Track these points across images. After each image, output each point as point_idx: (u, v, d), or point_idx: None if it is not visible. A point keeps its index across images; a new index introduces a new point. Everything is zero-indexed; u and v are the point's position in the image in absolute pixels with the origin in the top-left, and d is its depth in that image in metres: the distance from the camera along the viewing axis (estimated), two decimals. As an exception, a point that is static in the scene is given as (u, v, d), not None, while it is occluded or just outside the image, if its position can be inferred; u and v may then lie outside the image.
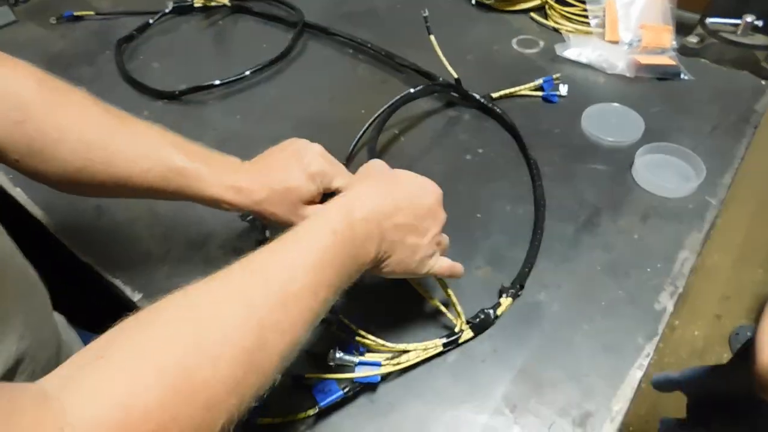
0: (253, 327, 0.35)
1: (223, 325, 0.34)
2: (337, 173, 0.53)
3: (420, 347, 0.54)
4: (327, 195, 0.54)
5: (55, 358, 0.52)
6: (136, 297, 0.62)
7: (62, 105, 0.51)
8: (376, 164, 0.52)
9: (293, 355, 0.38)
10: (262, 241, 0.67)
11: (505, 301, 0.59)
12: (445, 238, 0.53)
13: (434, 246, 0.50)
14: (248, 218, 0.65)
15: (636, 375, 0.54)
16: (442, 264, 0.52)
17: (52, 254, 0.69)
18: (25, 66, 0.52)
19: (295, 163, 0.52)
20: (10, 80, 0.50)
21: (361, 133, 0.73)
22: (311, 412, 0.51)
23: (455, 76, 0.84)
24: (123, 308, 0.63)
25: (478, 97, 0.85)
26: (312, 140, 0.55)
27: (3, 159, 0.50)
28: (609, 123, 0.82)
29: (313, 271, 0.39)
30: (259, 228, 0.66)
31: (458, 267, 0.55)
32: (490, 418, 0.52)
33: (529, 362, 0.56)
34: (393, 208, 0.46)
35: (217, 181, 0.52)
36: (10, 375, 0.43)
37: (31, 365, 0.46)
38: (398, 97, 0.75)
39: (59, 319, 0.61)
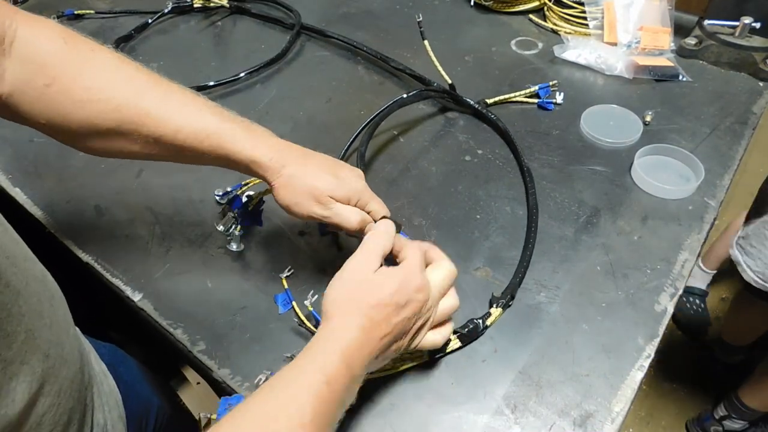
0: None
1: None
2: (372, 199, 0.54)
3: (406, 355, 0.54)
4: None
5: (80, 373, 0.48)
6: (136, 297, 0.62)
7: (90, 65, 0.49)
8: (355, 269, 0.47)
9: None
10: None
11: (495, 311, 0.59)
12: (443, 311, 0.50)
13: (416, 333, 0.48)
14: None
15: (636, 376, 0.54)
16: (426, 340, 0.50)
17: (50, 255, 0.68)
18: (51, 25, 0.50)
19: (341, 174, 0.53)
20: (35, 42, 0.48)
21: (352, 138, 0.72)
22: None
23: (449, 81, 0.84)
24: (123, 309, 0.63)
25: (472, 102, 0.85)
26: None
27: (30, 122, 0.49)
28: (608, 124, 0.82)
29: (311, 424, 0.38)
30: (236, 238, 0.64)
31: (446, 335, 0.52)
32: (490, 419, 0.52)
33: (530, 363, 0.56)
34: (378, 345, 0.44)
35: (253, 143, 0.51)
36: (33, 400, 0.39)
37: (57, 385, 0.42)
38: (391, 102, 0.74)
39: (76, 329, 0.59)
